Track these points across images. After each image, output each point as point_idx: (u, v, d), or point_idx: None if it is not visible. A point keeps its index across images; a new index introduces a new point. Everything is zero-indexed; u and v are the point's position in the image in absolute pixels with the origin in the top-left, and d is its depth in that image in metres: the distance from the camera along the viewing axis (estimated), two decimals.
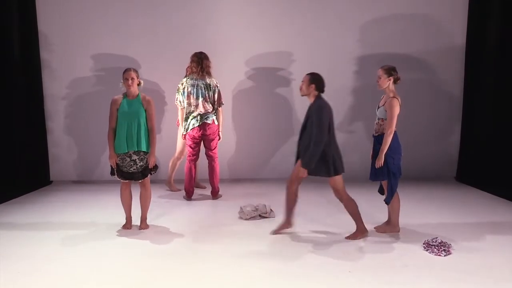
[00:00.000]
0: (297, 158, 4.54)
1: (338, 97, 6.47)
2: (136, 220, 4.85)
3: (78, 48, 6.94)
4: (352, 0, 7.03)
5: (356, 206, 4.50)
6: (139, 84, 4.68)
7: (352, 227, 4.56)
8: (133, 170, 4.62)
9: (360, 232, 4.51)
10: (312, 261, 3.95)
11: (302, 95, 4.49)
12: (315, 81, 4.38)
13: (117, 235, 4.64)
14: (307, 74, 4.47)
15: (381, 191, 4.76)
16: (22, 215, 5.41)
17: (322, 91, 4.42)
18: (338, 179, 4.43)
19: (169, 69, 6.89)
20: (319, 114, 4.27)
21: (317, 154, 4.27)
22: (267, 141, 7.27)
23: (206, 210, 5.68)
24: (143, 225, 4.81)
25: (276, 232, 4.67)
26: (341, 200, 4.52)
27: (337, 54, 7.01)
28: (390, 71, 4.44)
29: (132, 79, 4.58)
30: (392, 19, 7.03)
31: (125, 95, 4.67)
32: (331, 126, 4.33)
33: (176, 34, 6.96)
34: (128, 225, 4.80)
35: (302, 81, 4.45)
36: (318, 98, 4.38)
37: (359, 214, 4.51)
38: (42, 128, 7.02)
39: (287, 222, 4.67)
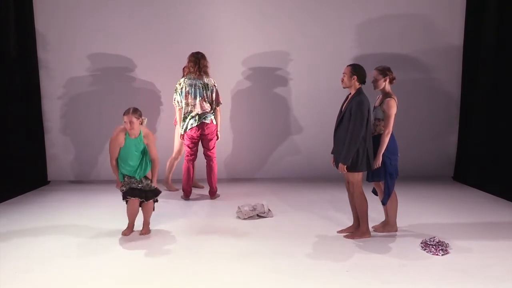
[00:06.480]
0: (334, 152, 4.45)
1: (335, 97, 6.45)
2: (137, 226, 4.78)
3: (75, 47, 6.91)
4: (350, 0, 7.03)
5: (367, 205, 4.42)
6: (141, 123, 4.51)
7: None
8: (140, 187, 4.59)
9: (362, 233, 4.46)
10: (310, 261, 3.95)
11: (344, 87, 4.38)
12: (357, 72, 4.28)
13: (115, 235, 4.63)
14: (348, 66, 4.36)
15: (375, 192, 4.75)
16: (19, 215, 5.40)
17: (364, 82, 4.33)
18: (359, 174, 4.35)
19: (165, 68, 6.88)
20: (360, 108, 4.17)
21: (355, 150, 4.19)
22: (264, 141, 7.26)
23: (204, 210, 5.67)
24: (145, 229, 4.70)
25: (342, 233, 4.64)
26: (352, 193, 4.44)
27: (335, 53, 6.99)
28: (385, 72, 4.41)
29: (131, 122, 4.38)
30: (390, 19, 7.02)
31: (127, 133, 4.51)
32: (368, 122, 4.24)
33: (172, 34, 6.94)
34: (128, 231, 4.65)
35: (344, 73, 4.33)
36: (359, 91, 4.29)
37: (367, 214, 4.45)
38: (39, 128, 7.00)
39: (353, 226, 4.62)
